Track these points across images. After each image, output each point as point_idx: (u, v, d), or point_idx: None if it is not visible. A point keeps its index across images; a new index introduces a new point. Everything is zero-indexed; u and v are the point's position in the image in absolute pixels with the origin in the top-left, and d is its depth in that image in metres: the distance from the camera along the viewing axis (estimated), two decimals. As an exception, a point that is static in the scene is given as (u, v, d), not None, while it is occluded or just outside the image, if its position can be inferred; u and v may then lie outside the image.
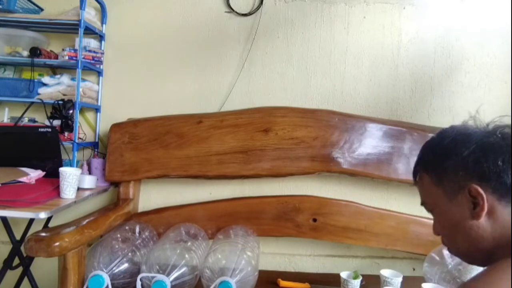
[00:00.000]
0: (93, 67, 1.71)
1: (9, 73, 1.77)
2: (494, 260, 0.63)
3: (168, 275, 1.22)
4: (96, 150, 1.78)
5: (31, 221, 1.65)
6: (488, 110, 1.87)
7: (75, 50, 1.60)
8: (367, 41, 1.78)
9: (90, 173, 1.65)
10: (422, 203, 0.78)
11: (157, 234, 1.62)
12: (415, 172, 0.79)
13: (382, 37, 1.78)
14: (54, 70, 1.80)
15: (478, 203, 0.65)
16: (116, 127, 1.68)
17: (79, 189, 1.41)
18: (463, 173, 0.68)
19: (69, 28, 1.68)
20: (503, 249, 0.64)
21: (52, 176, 1.44)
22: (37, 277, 1.60)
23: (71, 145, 1.60)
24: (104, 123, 1.79)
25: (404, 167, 1.60)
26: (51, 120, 1.63)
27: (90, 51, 1.69)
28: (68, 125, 1.61)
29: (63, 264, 1.18)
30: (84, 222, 1.31)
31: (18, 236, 1.55)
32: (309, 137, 1.63)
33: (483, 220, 0.65)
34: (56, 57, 1.68)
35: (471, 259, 0.72)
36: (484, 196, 0.65)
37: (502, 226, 0.65)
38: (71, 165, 1.58)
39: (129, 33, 1.81)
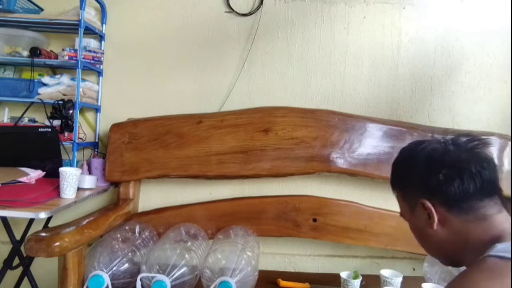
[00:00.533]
0: (93, 67, 1.71)
1: (9, 73, 1.77)
2: (462, 263, 0.72)
3: (168, 275, 1.22)
4: (96, 150, 1.78)
5: (31, 221, 1.65)
6: (488, 110, 1.88)
7: (75, 50, 1.60)
8: (367, 41, 1.78)
9: (90, 173, 1.65)
10: (400, 214, 0.87)
11: (157, 234, 1.62)
12: (391, 187, 0.88)
13: (382, 37, 1.78)
14: (54, 70, 1.80)
15: (430, 215, 0.74)
16: (116, 127, 1.68)
17: (79, 189, 1.41)
18: (416, 190, 0.77)
19: (69, 28, 1.68)
20: (466, 253, 0.71)
21: (52, 176, 1.44)
22: (37, 277, 1.60)
23: (71, 145, 1.60)
24: (104, 123, 1.79)
25: (404, 167, 1.60)
26: (51, 120, 1.63)
27: (90, 51, 1.69)
28: (68, 125, 1.61)
29: (63, 264, 1.18)
30: (84, 222, 1.31)
31: (18, 236, 1.55)
32: (309, 137, 1.63)
33: (438, 229, 0.74)
34: (56, 57, 1.68)
35: (442, 262, 0.81)
36: (432, 209, 0.73)
37: (455, 233, 0.72)
38: (71, 165, 1.58)
39: (129, 33, 1.81)
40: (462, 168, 0.71)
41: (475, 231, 0.70)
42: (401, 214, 0.86)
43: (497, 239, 0.66)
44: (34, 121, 1.70)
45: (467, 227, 0.71)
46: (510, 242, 0.63)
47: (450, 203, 0.72)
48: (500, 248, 0.62)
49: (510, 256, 0.59)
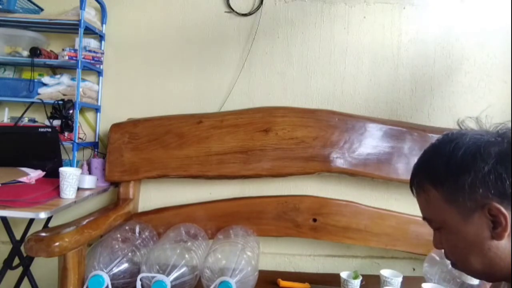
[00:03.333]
0: (93, 67, 1.71)
1: (9, 73, 1.77)
2: (508, 279, 0.61)
3: (168, 275, 1.22)
4: (96, 150, 1.78)
5: (31, 221, 1.65)
6: (488, 110, 1.87)
7: (75, 50, 1.60)
8: (367, 41, 1.78)
9: (90, 173, 1.65)
10: (425, 219, 0.72)
11: (157, 234, 1.62)
12: (416, 185, 0.72)
13: (382, 37, 1.78)
14: (54, 70, 1.80)
15: (499, 223, 0.61)
16: (116, 127, 1.68)
17: (79, 189, 1.41)
18: (483, 191, 0.62)
19: (69, 28, 1.68)
20: None
21: (52, 176, 1.44)
22: (37, 277, 1.60)
23: (71, 145, 1.60)
24: (104, 123, 1.79)
25: (404, 167, 1.60)
26: (51, 120, 1.63)
27: (90, 51, 1.69)
28: (68, 125, 1.61)
29: (63, 264, 1.18)
30: (84, 222, 1.31)
31: (18, 236, 1.55)
32: (309, 137, 1.63)
33: (504, 241, 0.61)
34: (56, 57, 1.68)
35: (484, 278, 0.69)
36: (508, 215, 0.60)
37: None
38: (71, 165, 1.58)
39: (129, 33, 1.81)
40: None
41: None
42: (429, 220, 0.71)
43: None
44: (34, 121, 1.70)
45: None
46: None
47: None
48: None
49: None
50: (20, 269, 1.57)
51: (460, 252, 0.66)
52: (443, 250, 0.72)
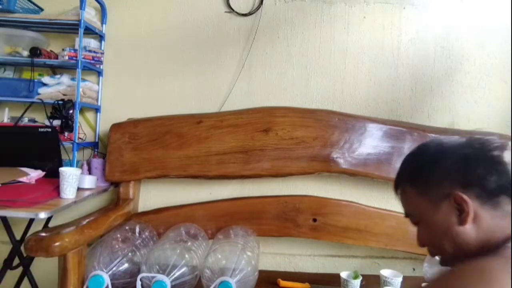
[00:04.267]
0: (93, 67, 1.71)
1: (9, 73, 1.77)
2: None
3: (168, 275, 1.22)
4: (96, 150, 1.78)
5: (31, 221, 1.65)
6: (488, 110, 1.88)
7: (75, 50, 1.60)
8: (367, 41, 1.78)
9: (90, 173, 1.65)
10: (407, 215, 0.82)
11: (157, 234, 1.62)
12: (397, 186, 0.83)
13: (382, 37, 1.78)
14: (54, 70, 1.80)
15: (463, 210, 0.69)
16: (116, 127, 1.68)
17: (79, 189, 1.41)
18: (448, 182, 0.72)
19: (69, 28, 1.68)
20: (487, 252, 0.67)
21: (52, 176, 1.44)
22: (37, 277, 1.60)
23: (71, 145, 1.60)
24: (104, 123, 1.79)
25: (404, 167, 1.60)
26: (51, 120, 1.63)
27: (90, 51, 1.69)
28: (68, 125, 1.61)
29: (63, 264, 1.18)
30: (84, 222, 1.31)
31: (18, 236, 1.55)
32: (309, 137, 1.63)
33: (468, 226, 0.69)
34: (56, 57, 1.68)
35: (456, 262, 0.74)
36: (469, 202, 0.69)
37: (485, 230, 0.69)
38: (71, 165, 1.58)
39: (129, 33, 1.81)
40: (496, 164, 0.71)
41: (502, 228, 0.69)
42: (409, 215, 0.80)
43: None
44: (34, 121, 1.70)
45: (495, 224, 0.69)
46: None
47: (485, 196, 0.69)
48: None
49: None
50: (20, 269, 1.57)
51: (435, 240, 0.75)
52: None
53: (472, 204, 0.69)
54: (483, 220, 0.69)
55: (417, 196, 0.77)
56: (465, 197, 0.69)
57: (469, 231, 0.70)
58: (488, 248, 0.67)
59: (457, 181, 0.71)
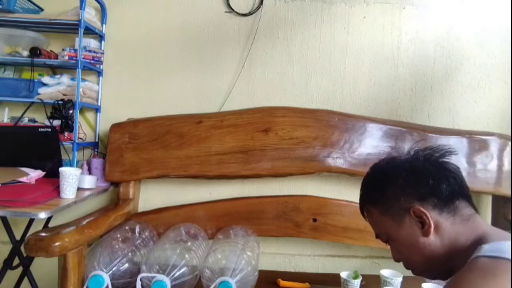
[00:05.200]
0: (93, 67, 1.71)
1: (9, 73, 1.77)
2: (453, 272, 0.68)
3: (168, 275, 1.22)
4: (96, 150, 1.78)
5: (31, 221, 1.65)
6: (488, 110, 1.88)
7: (75, 50, 1.60)
8: (367, 41, 1.78)
9: (90, 173, 1.65)
10: (377, 236, 0.84)
11: (157, 234, 1.62)
12: (362, 209, 0.86)
13: (382, 37, 1.78)
14: (54, 70, 1.80)
15: (424, 222, 0.72)
16: (116, 127, 1.68)
17: (79, 189, 1.41)
18: (403, 198, 0.75)
19: (69, 28, 1.68)
20: (455, 259, 0.69)
21: (52, 176, 1.44)
22: (37, 277, 1.60)
23: (71, 145, 1.60)
24: (104, 123, 1.79)
25: (404, 167, 1.60)
26: (51, 120, 1.63)
27: (90, 51, 1.69)
28: (68, 125, 1.61)
29: (63, 264, 1.18)
30: (84, 222, 1.31)
31: (18, 236, 1.55)
32: (309, 137, 1.63)
33: (432, 236, 0.72)
34: (56, 57, 1.68)
35: (433, 275, 0.78)
36: (427, 213, 0.72)
37: (448, 237, 0.72)
38: (71, 165, 1.58)
39: (129, 33, 1.81)
40: (445, 171, 0.75)
41: (464, 233, 0.71)
42: (378, 235, 0.83)
43: (481, 240, 0.68)
44: (34, 121, 1.70)
45: (456, 230, 0.72)
46: (496, 242, 0.65)
47: (441, 204, 0.72)
48: (487, 249, 0.63)
49: (499, 255, 0.60)
50: (20, 269, 1.57)
51: (406, 255, 0.77)
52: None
53: (431, 215, 0.72)
54: (445, 228, 0.72)
55: (380, 216, 0.80)
56: (422, 209, 0.72)
57: (433, 241, 0.72)
58: (456, 253, 0.70)
59: (413, 195, 0.74)
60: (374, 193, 0.81)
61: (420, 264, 0.76)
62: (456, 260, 0.69)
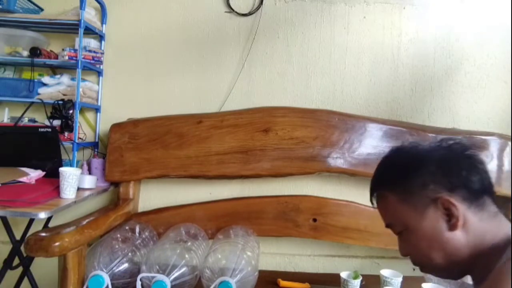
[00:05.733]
0: (93, 67, 1.71)
1: (9, 73, 1.77)
2: (468, 271, 0.65)
3: (168, 275, 1.22)
4: (96, 150, 1.78)
5: (31, 221, 1.65)
6: (488, 110, 1.88)
7: (75, 50, 1.60)
8: (367, 41, 1.78)
9: (90, 173, 1.65)
10: (388, 225, 0.77)
11: (157, 234, 1.62)
12: (373, 192, 0.79)
13: (382, 37, 1.78)
14: (54, 70, 1.80)
15: (452, 214, 0.66)
16: (116, 127, 1.68)
17: (79, 189, 1.41)
18: (433, 186, 0.68)
19: (69, 28, 1.68)
20: (478, 258, 0.65)
21: (52, 176, 1.44)
22: (37, 277, 1.60)
23: (71, 145, 1.60)
24: (104, 123, 1.79)
25: (404, 167, 1.60)
26: (51, 120, 1.63)
27: (90, 51, 1.69)
28: (68, 125, 1.61)
29: (63, 264, 1.18)
30: (84, 222, 1.31)
31: (18, 236, 1.55)
32: (309, 137, 1.63)
33: (458, 231, 0.66)
34: (56, 57, 1.68)
35: (447, 274, 0.72)
36: (458, 205, 0.65)
37: (474, 235, 0.66)
38: (71, 165, 1.58)
39: (129, 33, 1.81)
40: (477, 164, 0.69)
41: (490, 231, 0.66)
42: (391, 225, 0.76)
43: (508, 239, 0.63)
44: (34, 121, 1.70)
45: (484, 227, 0.66)
46: None
47: (471, 198, 0.66)
48: None
49: None
50: (20, 269, 1.57)
51: (422, 250, 0.70)
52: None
53: (461, 208, 0.66)
54: (472, 223, 0.66)
55: (398, 203, 0.72)
56: (453, 200, 0.66)
57: (459, 236, 0.66)
58: (479, 252, 0.65)
59: (443, 184, 0.67)
60: (396, 178, 0.73)
61: (438, 261, 0.69)
62: (478, 260, 0.64)
